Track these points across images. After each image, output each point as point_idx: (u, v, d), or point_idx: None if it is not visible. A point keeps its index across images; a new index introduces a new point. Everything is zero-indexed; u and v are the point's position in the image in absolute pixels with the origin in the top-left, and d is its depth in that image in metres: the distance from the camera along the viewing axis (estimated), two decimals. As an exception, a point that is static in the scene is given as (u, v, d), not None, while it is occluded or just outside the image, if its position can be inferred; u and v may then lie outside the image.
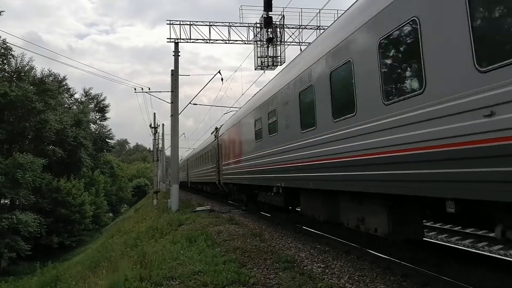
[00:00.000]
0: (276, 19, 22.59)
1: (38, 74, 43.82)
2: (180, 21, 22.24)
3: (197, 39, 22.58)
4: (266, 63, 23.24)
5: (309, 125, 8.83)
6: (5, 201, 36.05)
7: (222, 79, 24.68)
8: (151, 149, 57.28)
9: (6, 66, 38.18)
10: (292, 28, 23.26)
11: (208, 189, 31.09)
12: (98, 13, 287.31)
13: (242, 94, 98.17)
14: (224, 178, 20.37)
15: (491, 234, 7.68)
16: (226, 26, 22.83)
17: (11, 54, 37.50)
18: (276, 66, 23.18)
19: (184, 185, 50.86)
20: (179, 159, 54.02)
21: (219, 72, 24.13)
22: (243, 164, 15.57)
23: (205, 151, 29.30)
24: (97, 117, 66.00)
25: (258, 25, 22.93)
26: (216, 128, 25.34)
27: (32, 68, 41.62)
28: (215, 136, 23.66)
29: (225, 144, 20.17)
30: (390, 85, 5.76)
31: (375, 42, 5.99)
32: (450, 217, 5.79)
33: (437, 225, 11.38)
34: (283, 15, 22.84)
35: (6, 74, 38.55)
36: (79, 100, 64.56)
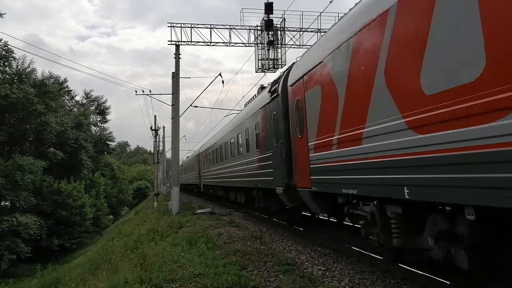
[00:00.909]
0: (277, 22, 22.68)
1: (39, 76, 43.98)
2: (181, 23, 22.32)
3: (198, 42, 22.62)
4: (267, 65, 23.28)
5: None
6: (6, 203, 36.09)
7: (223, 82, 24.65)
8: (152, 151, 57.22)
9: (7, 68, 38.29)
10: (293, 30, 23.32)
11: (242, 199, 18.47)
12: (99, 16, 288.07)
13: (243, 97, 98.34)
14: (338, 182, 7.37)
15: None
16: (227, 28, 22.88)
17: (12, 56, 37.64)
18: (277, 68, 23.23)
19: (189, 189, 48.63)
20: (186, 157, 53.56)
21: (220, 74, 24.09)
22: None
23: (241, 131, 16.52)
24: (98, 119, 66.06)
25: (259, 27, 22.98)
26: (273, 84, 12.44)
27: (33, 70, 41.78)
28: (278, 83, 11.50)
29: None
30: None
31: None
32: None
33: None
34: (284, 18, 22.91)
35: (7, 76, 38.65)
36: (80, 102, 64.67)
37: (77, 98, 64.59)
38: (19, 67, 39.85)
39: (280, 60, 23.19)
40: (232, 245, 10.03)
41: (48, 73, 48.72)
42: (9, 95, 34.64)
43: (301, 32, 23.33)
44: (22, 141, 40.54)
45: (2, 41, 35.48)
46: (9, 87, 35.59)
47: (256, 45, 23.27)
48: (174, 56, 22.39)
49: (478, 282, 5.64)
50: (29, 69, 40.83)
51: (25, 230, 31.61)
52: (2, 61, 36.61)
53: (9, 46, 35.99)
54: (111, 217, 60.83)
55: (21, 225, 31.32)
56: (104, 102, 68.41)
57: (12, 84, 37.37)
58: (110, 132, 64.28)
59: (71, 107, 60.11)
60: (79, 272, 16.56)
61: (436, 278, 6.07)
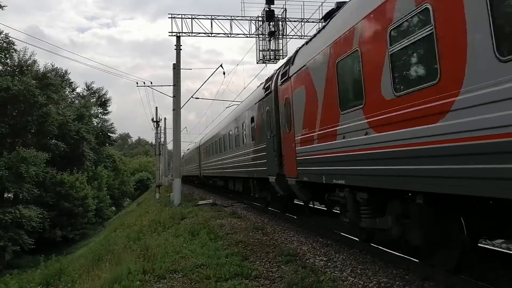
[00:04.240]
0: (278, 12, 22.47)
1: (41, 69, 43.96)
2: (182, 14, 22.16)
3: (199, 33, 22.47)
4: (268, 56, 23.12)
5: None
6: (9, 195, 36.29)
7: (224, 73, 24.54)
8: (153, 143, 57.30)
9: (8, 60, 38.21)
10: (294, 21, 23.10)
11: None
12: (99, 7, 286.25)
13: (244, 88, 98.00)
14: None
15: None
16: (228, 19, 22.71)
17: (14, 48, 37.52)
18: (278, 59, 23.09)
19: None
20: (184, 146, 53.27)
21: (221, 66, 23.97)
22: None
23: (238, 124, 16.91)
24: (99, 111, 66.02)
25: (260, 18, 22.79)
26: None
27: (34, 62, 41.71)
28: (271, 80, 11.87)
29: None
30: None
31: None
32: None
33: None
34: (285, 8, 22.70)
35: (8, 68, 38.59)
36: (81, 94, 64.59)
37: (78, 90, 64.62)
38: (21, 59, 39.80)
39: (281, 51, 23.03)
40: (234, 236, 10.06)
41: (51, 66, 48.79)
42: (11, 87, 34.63)
43: (303, 23, 23.15)
44: (24, 133, 40.62)
45: (3, 33, 35.43)
46: (11, 79, 35.55)
47: (257, 36, 23.09)
48: (175, 47, 22.26)
49: (479, 273, 5.66)
50: (30, 61, 40.79)
51: (28, 223, 31.82)
52: (3, 53, 36.52)
53: (10, 38, 35.95)
54: (114, 208, 61.12)
55: (24, 217, 31.52)
56: (105, 94, 68.36)
57: (13, 76, 37.32)
58: (111, 124, 64.41)
59: (73, 99, 60.09)
60: (82, 263, 16.65)
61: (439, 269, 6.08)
